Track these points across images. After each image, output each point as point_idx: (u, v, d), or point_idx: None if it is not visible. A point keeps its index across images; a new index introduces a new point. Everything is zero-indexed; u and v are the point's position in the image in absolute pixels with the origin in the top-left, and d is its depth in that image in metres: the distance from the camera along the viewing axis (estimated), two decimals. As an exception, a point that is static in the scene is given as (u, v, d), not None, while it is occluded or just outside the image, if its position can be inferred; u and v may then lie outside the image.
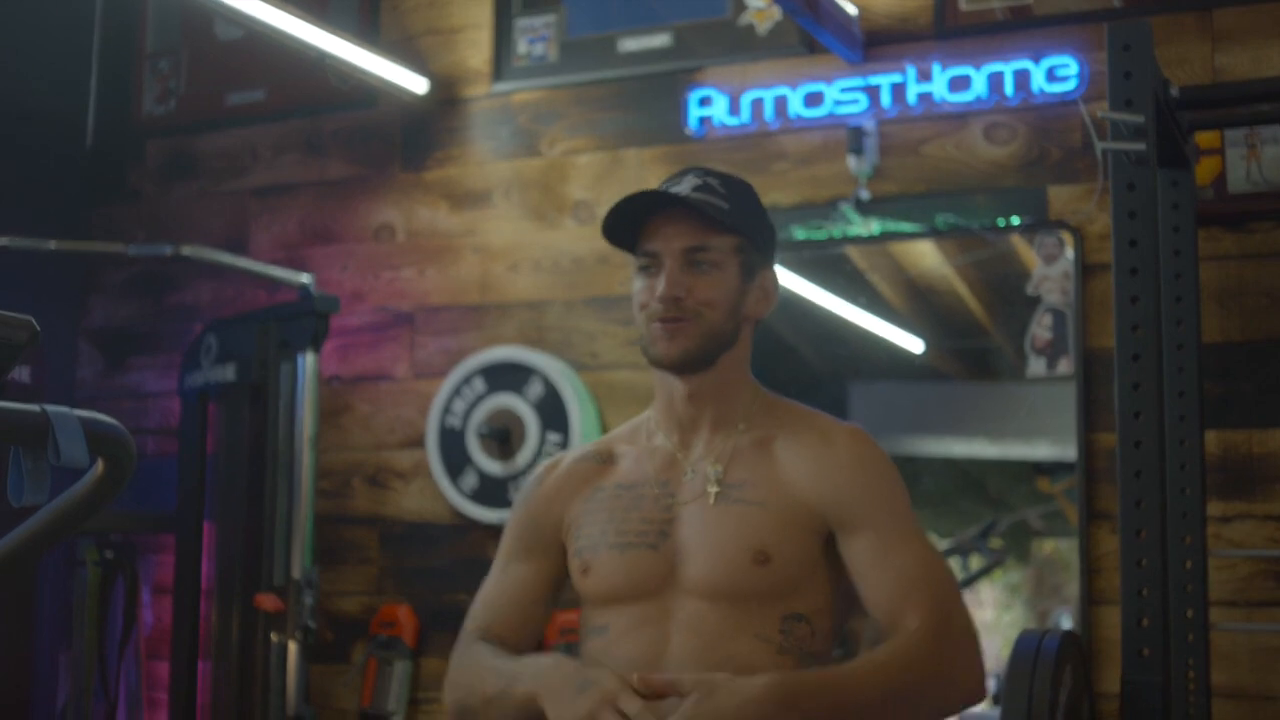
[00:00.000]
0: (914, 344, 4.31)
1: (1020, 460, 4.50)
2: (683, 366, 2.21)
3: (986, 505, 4.60)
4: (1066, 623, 4.44)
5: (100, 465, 2.08)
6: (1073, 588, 4.69)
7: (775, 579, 2.12)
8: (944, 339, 4.40)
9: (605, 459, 2.34)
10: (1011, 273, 4.00)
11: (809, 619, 2.16)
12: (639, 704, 1.93)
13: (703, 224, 2.20)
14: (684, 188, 2.22)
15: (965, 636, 2.14)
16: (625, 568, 2.19)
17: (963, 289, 4.23)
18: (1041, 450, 4.48)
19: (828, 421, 2.27)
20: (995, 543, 4.55)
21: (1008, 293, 4.08)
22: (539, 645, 2.39)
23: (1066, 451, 4.06)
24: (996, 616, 5.58)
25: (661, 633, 2.14)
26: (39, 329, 1.94)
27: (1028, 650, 2.74)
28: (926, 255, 4.14)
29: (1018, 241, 3.91)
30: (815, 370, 4.36)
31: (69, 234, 4.54)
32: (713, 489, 2.20)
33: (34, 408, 1.99)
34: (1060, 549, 4.85)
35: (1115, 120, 2.89)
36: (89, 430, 2.04)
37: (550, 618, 2.38)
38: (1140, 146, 2.85)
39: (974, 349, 4.45)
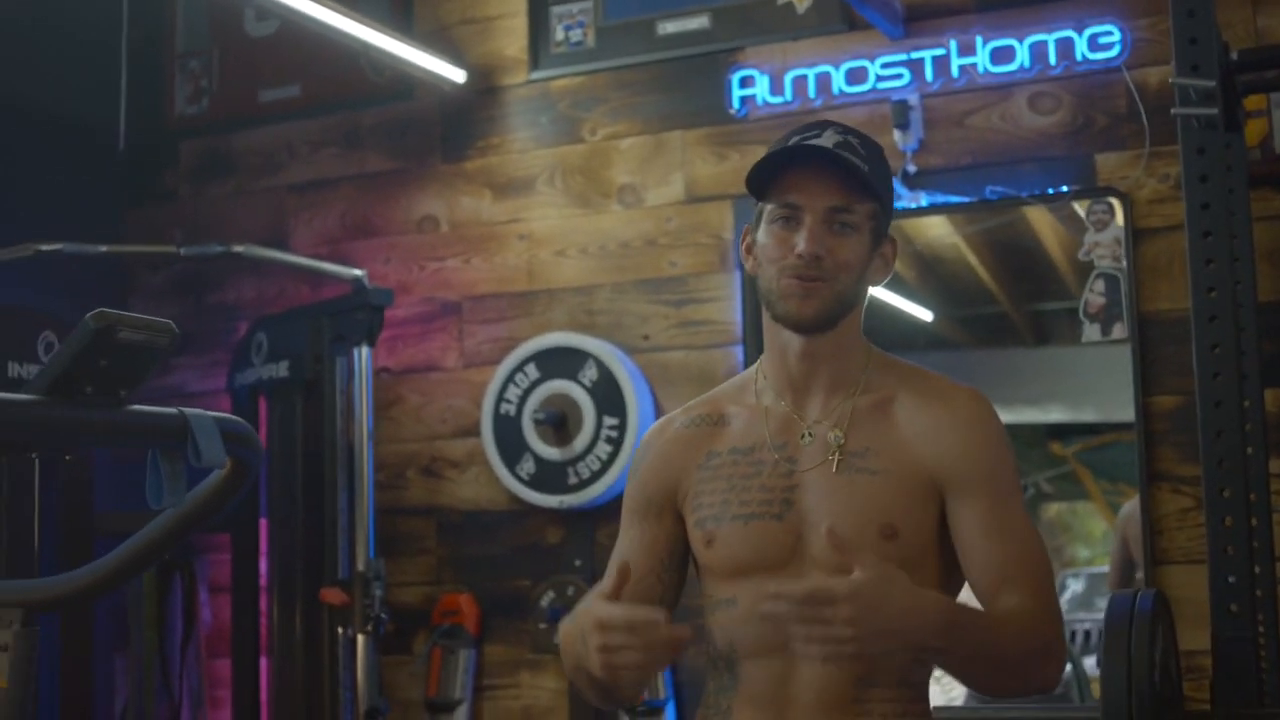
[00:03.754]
0: (923, 313, 4.33)
1: (1032, 424, 4.55)
2: (812, 327, 2.16)
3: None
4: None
5: (228, 464, 2.11)
6: (1076, 551, 4.74)
7: (901, 553, 2.10)
8: (953, 308, 4.44)
9: (715, 421, 2.28)
10: (1021, 240, 4.06)
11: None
12: (617, 612, 1.94)
13: (846, 184, 2.13)
14: (825, 141, 2.14)
15: (1060, 624, 2.14)
16: (751, 540, 2.16)
17: (971, 258, 4.27)
18: (1054, 415, 4.52)
19: (946, 383, 2.23)
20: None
21: (1017, 260, 4.13)
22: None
23: (1080, 415, 4.11)
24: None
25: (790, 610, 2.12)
26: (178, 332, 1.97)
27: (1123, 610, 2.78)
28: (933, 226, 4.17)
29: (1030, 211, 3.96)
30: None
31: (105, 237, 4.53)
32: (834, 456, 2.16)
33: (172, 411, 2.02)
34: (1063, 512, 4.90)
35: (1184, 85, 2.93)
36: (223, 431, 2.07)
37: (672, 585, 2.28)
38: (1212, 111, 2.89)
39: (984, 316, 4.49)
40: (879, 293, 4.38)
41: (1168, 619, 2.89)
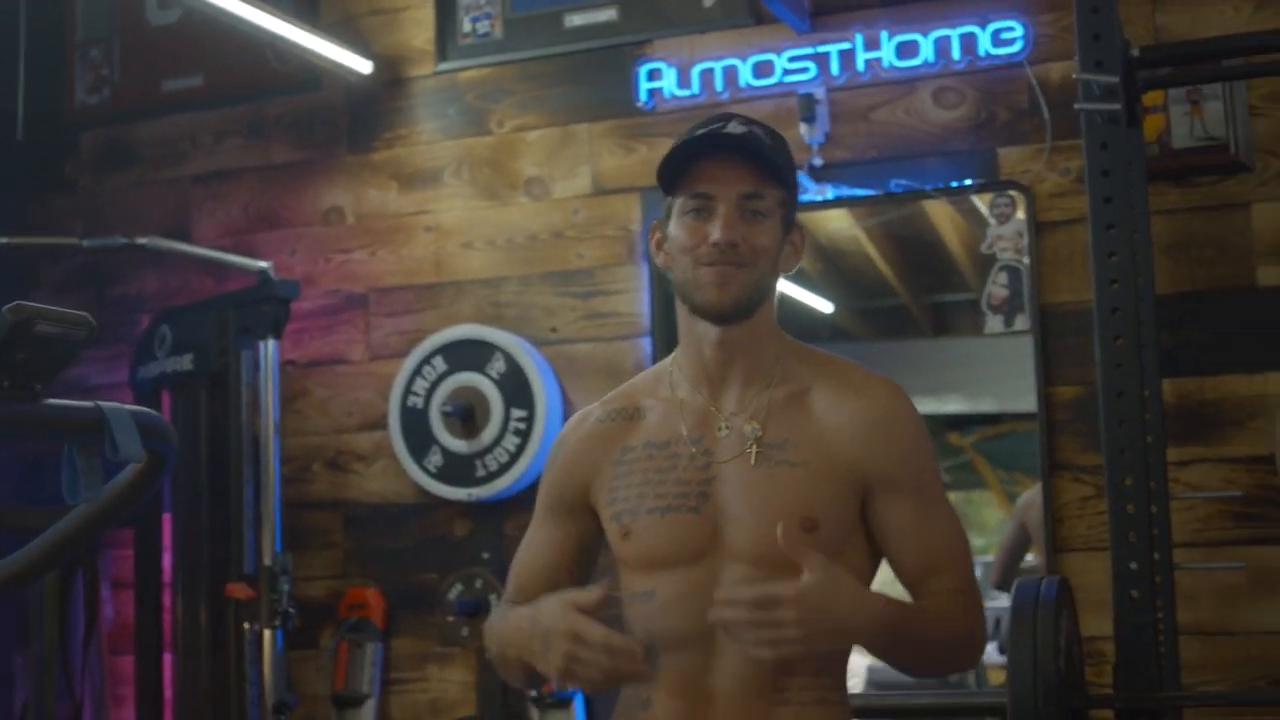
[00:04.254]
0: (824, 305, 4.38)
1: (931, 415, 4.62)
2: (731, 315, 2.16)
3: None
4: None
5: (144, 458, 2.10)
6: (971, 539, 4.82)
7: (821, 546, 2.09)
8: (854, 300, 4.49)
9: (630, 415, 2.28)
10: (921, 234, 4.12)
11: None
12: (597, 631, 1.98)
13: (757, 171, 2.14)
14: (732, 130, 2.15)
15: (982, 610, 2.20)
16: (667, 532, 2.16)
17: (872, 251, 4.33)
18: (952, 405, 4.59)
19: (862, 374, 2.24)
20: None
21: (916, 253, 4.18)
22: None
23: (978, 405, 4.16)
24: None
25: (709, 601, 2.09)
26: (95, 325, 1.95)
27: (1029, 597, 2.83)
28: (834, 219, 4.22)
29: (930, 204, 4.02)
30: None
31: (4, 228, 4.45)
32: (752, 449, 2.17)
33: (88, 405, 2.00)
34: (959, 502, 4.98)
35: (1087, 81, 2.99)
36: (140, 424, 2.05)
37: (581, 578, 2.32)
38: (1115, 106, 2.95)
39: (884, 308, 4.56)
40: (780, 285, 4.43)
41: (1071, 606, 2.95)
